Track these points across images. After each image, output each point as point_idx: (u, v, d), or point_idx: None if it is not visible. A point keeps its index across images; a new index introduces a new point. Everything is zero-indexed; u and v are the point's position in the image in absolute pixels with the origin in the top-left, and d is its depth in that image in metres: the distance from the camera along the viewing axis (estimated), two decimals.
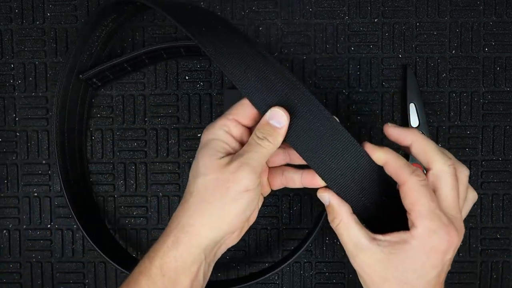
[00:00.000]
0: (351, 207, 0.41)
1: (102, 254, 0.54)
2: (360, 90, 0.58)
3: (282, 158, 0.45)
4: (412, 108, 0.57)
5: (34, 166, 0.59)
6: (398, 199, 0.39)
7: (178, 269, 0.39)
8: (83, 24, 0.55)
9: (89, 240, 0.53)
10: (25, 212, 0.59)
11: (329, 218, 0.42)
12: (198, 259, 0.40)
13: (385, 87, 0.58)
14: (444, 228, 0.37)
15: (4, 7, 0.59)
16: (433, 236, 0.37)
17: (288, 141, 0.40)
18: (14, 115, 0.59)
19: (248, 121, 0.42)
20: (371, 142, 0.58)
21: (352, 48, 0.58)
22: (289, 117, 0.39)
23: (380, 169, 0.40)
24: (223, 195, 0.39)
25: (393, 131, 0.41)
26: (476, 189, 0.58)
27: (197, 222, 0.40)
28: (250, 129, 0.42)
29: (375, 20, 0.58)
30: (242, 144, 0.42)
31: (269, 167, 0.46)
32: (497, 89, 0.58)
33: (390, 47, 0.58)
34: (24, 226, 0.59)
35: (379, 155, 0.40)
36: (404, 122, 0.58)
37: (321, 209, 0.57)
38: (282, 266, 0.53)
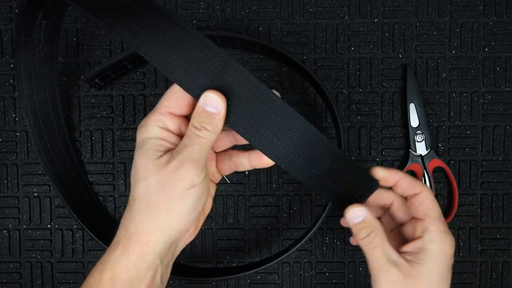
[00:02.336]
0: (303, 179, 0.40)
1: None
2: (360, 90, 0.58)
3: (227, 141, 0.42)
4: (412, 108, 0.57)
5: (34, 166, 0.59)
6: (347, 165, 0.40)
7: (132, 278, 0.37)
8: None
9: (95, 237, 0.53)
10: (25, 212, 0.59)
11: (363, 234, 0.40)
12: (153, 264, 0.38)
13: (385, 87, 0.58)
14: (449, 231, 0.41)
15: (4, 7, 0.59)
16: (446, 238, 0.40)
17: (228, 123, 0.37)
18: (14, 115, 0.59)
19: (183, 110, 0.38)
20: (371, 142, 0.58)
21: (352, 48, 0.58)
22: (225, 100, 0.36)
23: (326, 139, 0.39)
24: (169, 196, 0.36)
25: (379, 172, 0.42)
26: (476, 189, 0.58)
27: (146, 229, 0.37)
28: (187, 117, 0.39)
29: (375, 20, 0.58)
30: (181, 136, 0.38)
31: (216, 153, 0.43)
32: (497, 89, 0.58)
33: (390, 47, 0.58)
34: (24, 226, 0.59)
35: (392, 176, 0.42)
36: (404, 122, 0.58)
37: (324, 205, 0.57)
38: (289, 253, 0.53)
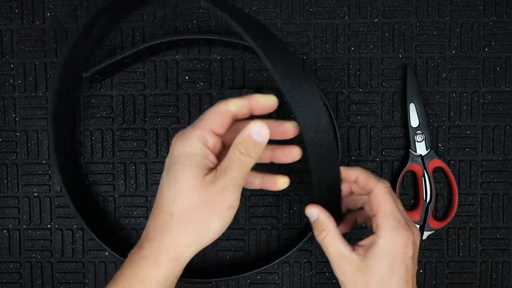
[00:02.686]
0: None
1: (114, 254, 0.55)
2: (360, 90, 0.58)
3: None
4: (412, 108, 0.57)
5: (34, 166, 0.59)
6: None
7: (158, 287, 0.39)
8: (78, 29, 0.54)
9: (96, 238, 0.53)
10: (25, 212, 0.59)
11: (316, 232, 0.45)
12: (179, 274, 0.41)
13: (385, 87, 0.58)
14: (403, 226, 0.42)
15: (4, 7, 0.59)
16: (396, 234, 0.42)
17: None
18: (14, 115, 0.59)
19: (222, 130, 0.41)
20: (370, 142, 0.58)
21: (352, 48, 0.58)
22: (269, 132, 0.39)
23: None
24: (210, 214, 0.39)
25: (342, 172, 0.46)
26: (476, 189, 0.58)
27: (182, 243, 0.39)
28: (219, 136, 0.41)
29: (375, 20, 0.58)
30: (216, 154, 0.41)
31: None
32: (497, 89, 0.58)
33: (390, 47, 0.58)
34: (24, 226, 0.59)
35: (351, 172, 0.45)
36: (404, 122, 0.58)
37: None
38: (289, 253, 0.53)
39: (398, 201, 0.44)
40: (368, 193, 0.45)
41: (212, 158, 0.40)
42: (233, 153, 0.39)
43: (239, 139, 0.39)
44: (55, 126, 0.53)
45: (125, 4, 0.54)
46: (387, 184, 0.44)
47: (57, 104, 0.53)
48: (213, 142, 0.40)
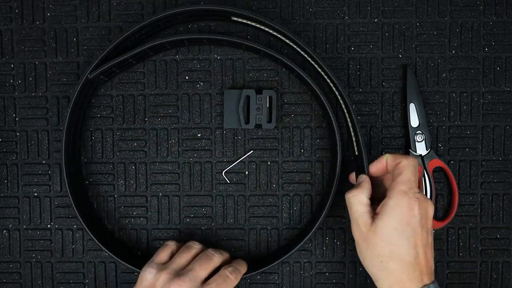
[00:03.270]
0: None
1: (112, 255, 0.55)
2: (360, 90, 0.58)
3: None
4: (412, 108, 0.57)
5: (34, 166, 0.59)
6: None
7: None
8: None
9: (94, 239, 0.53)
10: (25, 212, 0.59)
11: (348, 194, 0.49)
12: None
13: (385, 87, 0.58)
14: (413, 192, 0.46)
15: (4, 7, 0.59)
16: (403, 197, 0.46)
17: None
18: (14, 115, 0.59)
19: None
20: (370, 142, 0.58)
21: (352, 48, 0.58)
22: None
23: None
24: None
25: (372, 168, 0.52)
26: (476, 189, 0.58)
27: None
28: None
29: (375, 20, 0.58)
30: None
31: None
32: (497, 89, 0.58)
33: (390, 47, 0.58)
34: (24, 226, 0.59)
35: (379, 163, 0.51)
36: (404, 122, 0.58)
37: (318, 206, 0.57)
38: (290, 253, 0.53)
39: (417, 176, 0.48)
40: (393, 167, 0.49)
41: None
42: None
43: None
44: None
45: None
46: (416, 161, 0.48)
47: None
48: None
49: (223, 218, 0.59)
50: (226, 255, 0.54)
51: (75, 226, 0.59)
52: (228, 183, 0.59)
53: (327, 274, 0.59)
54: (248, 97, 0.57)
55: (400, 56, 0.58)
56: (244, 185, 0.59)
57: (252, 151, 0.58)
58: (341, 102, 0.54)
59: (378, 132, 0.58)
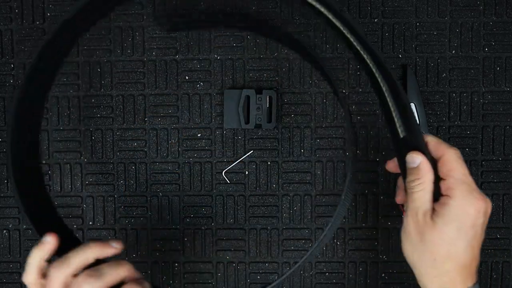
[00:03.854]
0: None
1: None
2: (360, 90, 0.58)
3: None
4: (412, 108, 0.57)
5: None
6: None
7: None
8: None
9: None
10: None
11: (410, 178, 0.44)
12: None
13: None
14: (477, 191, 0.43)
15: (4, 7, 0.59)
16: (469, 196, 0.43)
17: None
18: None
19: None
20: (370, 142, 0.58)
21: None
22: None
23: None
24: None
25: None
26: None
27: None
28: None
29: (375, 20, 0.58)
30: None
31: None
32: (497, 89, 0.58)
33: (390, 47, 0.58)
34: (24, 226, 0.59)
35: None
36: None
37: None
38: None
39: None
40: (438, 158, 0.45)
41: None
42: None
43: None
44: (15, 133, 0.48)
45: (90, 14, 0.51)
46: (458, 151, 0.45)
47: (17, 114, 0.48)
48: None
49: (223, 218, 0.59)
50: (125, 273, 0.47)
51: (75, 226, 0.59)
52: (228, 183, 0.59)
53: (327, 274, 0.59)
54: (248, 97, 0.57)
55: (400, 56, 0.58)
56: (244, 185, 0.59)
57: (252, 151, 0.58)
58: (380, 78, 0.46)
59: (378, 132, 0.58)
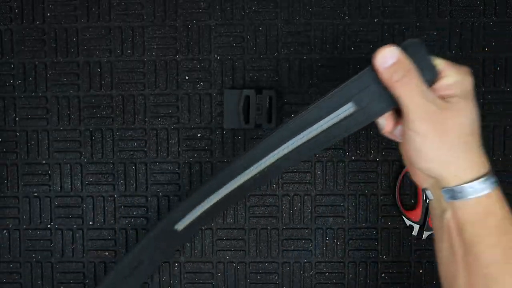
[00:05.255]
0: None
1: None
2: None
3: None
4: None
5: (34, 166, 0.59)
6: None
7: None
8: None
9: None
10: (25, 212, 0.59)
11: (398, 76, 0.39)
12: None
13: None
14: (454, 65, 0.41)
15: (4, 7, 0.59)
16: (455, 69, 0.41)
17: None
18: (14, 115, 0.59)
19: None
20: (370, 142, 0.58)
21: (352, 48, 0.58)
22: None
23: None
24: None
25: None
26: None
27: None
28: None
29: (375, 20, 0.58)
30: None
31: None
32: (497, 89, 0.58)
33: None
34: (24, 226, 0.59)
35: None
36: None
37: None
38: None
39: None
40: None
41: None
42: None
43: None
44: None
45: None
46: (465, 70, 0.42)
47: None
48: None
49: (224, 218, 0.59)
50: None
51: (75, 226, 0.59)
52: None
53: (327, 274, 0.59)
54: (248, 97, 0.57)
55: None
56: None
57: None
58: None
59: (377, 132, 0.58)
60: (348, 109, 0.41)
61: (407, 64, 0.39)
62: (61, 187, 0.59)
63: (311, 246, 0.59)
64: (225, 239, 0.59)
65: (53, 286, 0.59)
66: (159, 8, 0.58)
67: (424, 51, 0.39)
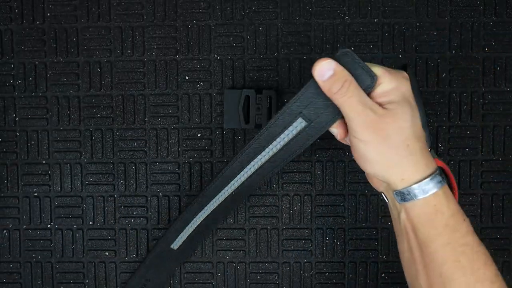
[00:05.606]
0: None
1: None
2: None
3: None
4: None
5: (34, 166, 0.59)
6: None
7: None
8: None
9: None
10: (25, 212, 0.59)
11: (338, 85, 0.39)
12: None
13: None
14: (396, 73, 0.41)
15: (4, 7, 0.59)
16: (390, 74, 0.40)
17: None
18: (14, 115, 0.59)
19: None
20: None
21: (352, 48, 0.58)
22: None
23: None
24: None
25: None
26: (476, 189, 0.58)
27: None
28: None
29: (375, 20, 0.58)
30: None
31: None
32: (497, 89, 0.58)
33: (390, 47, 0.58)
34: (24, 226, 0.59)
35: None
36: None
37: None
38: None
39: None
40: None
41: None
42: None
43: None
44: None
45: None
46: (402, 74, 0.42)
47: None
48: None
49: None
50: None
51: (75, 226, 0.59)
52: None
53: (327, 274, 0.59)
54: (248, 97, 0.57)
55: (400, 56, 0.58)
56: None
57: None
58: None
59: None
60: (299, 124, 0.43)
61: (344, 74, 0.40)
62: (61, 187, 0.59)
63: (311, 246, 0.59)
64: (225, 239, 0.59)
65: (53, 286, 0.59)
66: (159, 8, 0.58)
67: (357, 59, 0.40)
